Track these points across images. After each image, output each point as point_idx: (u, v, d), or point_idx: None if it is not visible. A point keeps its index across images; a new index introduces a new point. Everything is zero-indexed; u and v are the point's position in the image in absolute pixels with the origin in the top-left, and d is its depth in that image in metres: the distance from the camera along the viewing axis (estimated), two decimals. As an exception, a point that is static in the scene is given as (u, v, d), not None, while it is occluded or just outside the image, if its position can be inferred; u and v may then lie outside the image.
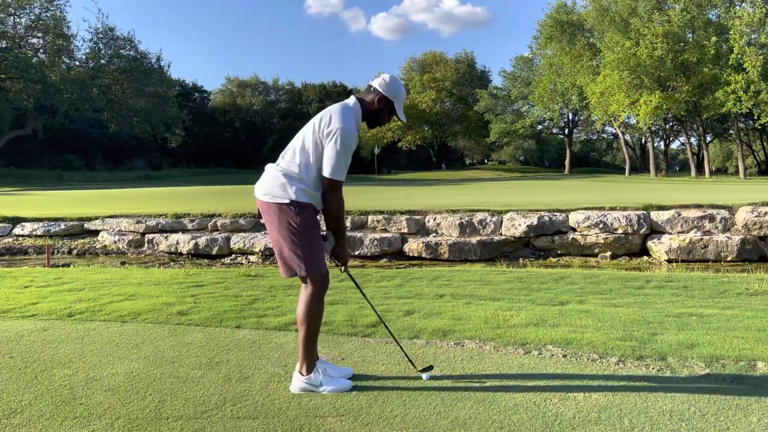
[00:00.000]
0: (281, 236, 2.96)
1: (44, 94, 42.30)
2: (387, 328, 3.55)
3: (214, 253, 11.54)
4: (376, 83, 3.09)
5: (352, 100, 3.07)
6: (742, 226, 10.53)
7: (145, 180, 45.85)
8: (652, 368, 3.28)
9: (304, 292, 3.02)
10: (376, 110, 3.08)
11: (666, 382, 3.08)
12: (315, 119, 3.02)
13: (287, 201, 2.93)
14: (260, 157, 67.99)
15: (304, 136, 3.01)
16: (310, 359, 3.02)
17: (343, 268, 3.19)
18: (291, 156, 3.01)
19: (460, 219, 11.52)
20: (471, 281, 6.39)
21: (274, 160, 3.17)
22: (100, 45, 47.35)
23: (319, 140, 2.94)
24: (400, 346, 3.40)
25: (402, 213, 12.05)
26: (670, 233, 10.72)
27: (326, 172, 2.92)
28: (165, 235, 12.30)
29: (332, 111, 2.98)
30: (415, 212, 12.13)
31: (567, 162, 61.73)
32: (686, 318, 4.38)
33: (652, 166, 49.74)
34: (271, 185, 2.99)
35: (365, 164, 60.23)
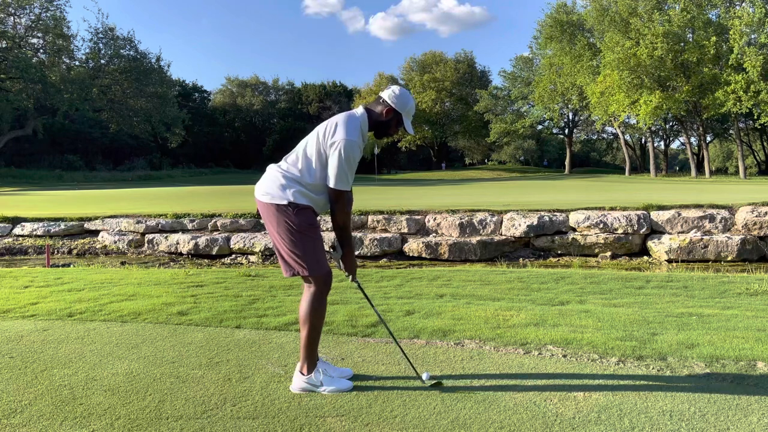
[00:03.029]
0: (281, 236, 2.96)
1: (44, 94, 42.32)
2: (395, 340, 3.50)
3: (214, 253, 11.54)
4: (385, 95, 3.06)
5: (359, 110, 3.05)
6: (742, 226, 10.53)
7: (145, 180, 45.85)
8: (652, 368, 3.28)
9: (307, 291, 3.03)
10: (384, 121, 3.05)
11: (666, 382, 3.07)
12: (321, 127, 3.01)
13: (285, 202, 2.93)
14: (260, 158, 68.00)
15: (308, 143, 3.00)
16: (311, 359, 3.03)
17: (351, 277, 3.15)
18: (294, 160, 3.02)
19: (460, 219, 11.52)
20: (471, 281, 6.39)
21: (274, 160, 3.18)
22: (100, 45, 47.45)
23: (323, 150, 2.94)
24: (407, 357, 3.28)
25: (402, 213, 12.04)
26: (670, 233, 10.72)
27: (331, 183, 2.92)
28: (165, 235, 12.30)
29: (338, 121, 2.96)
30: (415, 212, 12.13)
31: (567, 162, 61.72)
32: (686, 318, 4.38)
33: (652, 166, 49.72)
34: (271, 186, 3.00)
35: (365, 164, 59.93)
